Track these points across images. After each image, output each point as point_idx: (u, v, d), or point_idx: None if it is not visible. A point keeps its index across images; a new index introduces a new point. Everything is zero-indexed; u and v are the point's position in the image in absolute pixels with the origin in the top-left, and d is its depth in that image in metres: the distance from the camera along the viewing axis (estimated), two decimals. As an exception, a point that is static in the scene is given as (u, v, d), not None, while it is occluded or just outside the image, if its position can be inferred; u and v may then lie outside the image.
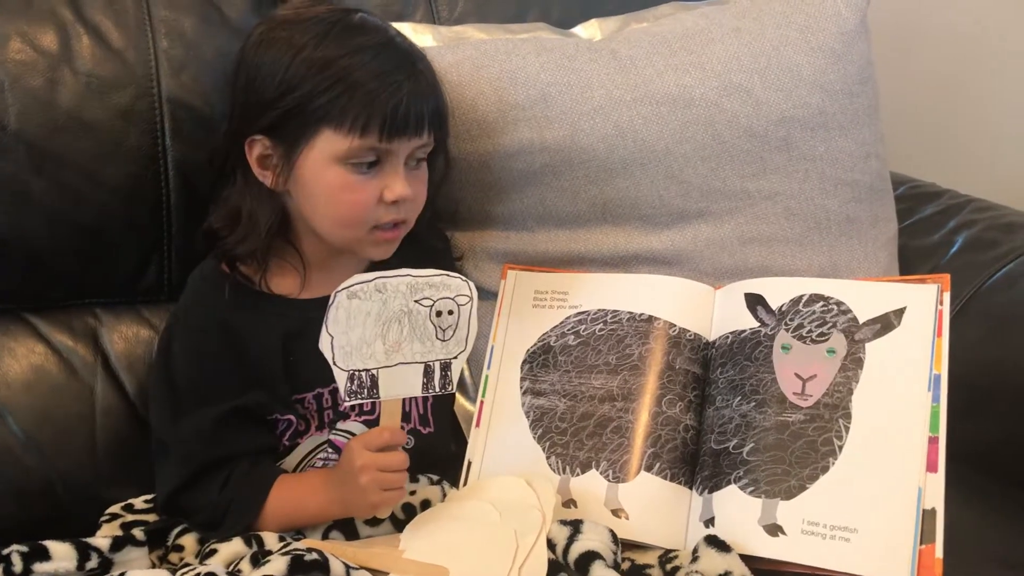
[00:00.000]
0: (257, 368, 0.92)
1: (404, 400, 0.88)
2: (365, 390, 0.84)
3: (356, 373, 0.83)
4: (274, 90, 0.88)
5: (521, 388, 0.98)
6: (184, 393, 0.92)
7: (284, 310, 0.94)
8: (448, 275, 0.86)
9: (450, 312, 0.85)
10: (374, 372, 0.84)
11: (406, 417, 0.92)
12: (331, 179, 0.89)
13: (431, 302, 0.85)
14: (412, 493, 0.90)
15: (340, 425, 0.94)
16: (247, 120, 0.91)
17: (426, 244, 1.01)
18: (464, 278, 0.87)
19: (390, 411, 0.86)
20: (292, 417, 0.92)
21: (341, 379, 0.83)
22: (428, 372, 0.86)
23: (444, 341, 0.85)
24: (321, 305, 0.87)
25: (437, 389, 0.86)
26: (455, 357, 0.86)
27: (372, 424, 0.93)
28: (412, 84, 0.89)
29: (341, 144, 0.87)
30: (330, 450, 0.94)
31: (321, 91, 0.87)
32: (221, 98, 1.01)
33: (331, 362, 0.83)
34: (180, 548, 0.88)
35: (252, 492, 0.88)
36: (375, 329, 0.83)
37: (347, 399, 0.84)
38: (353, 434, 0.93)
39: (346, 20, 0.90)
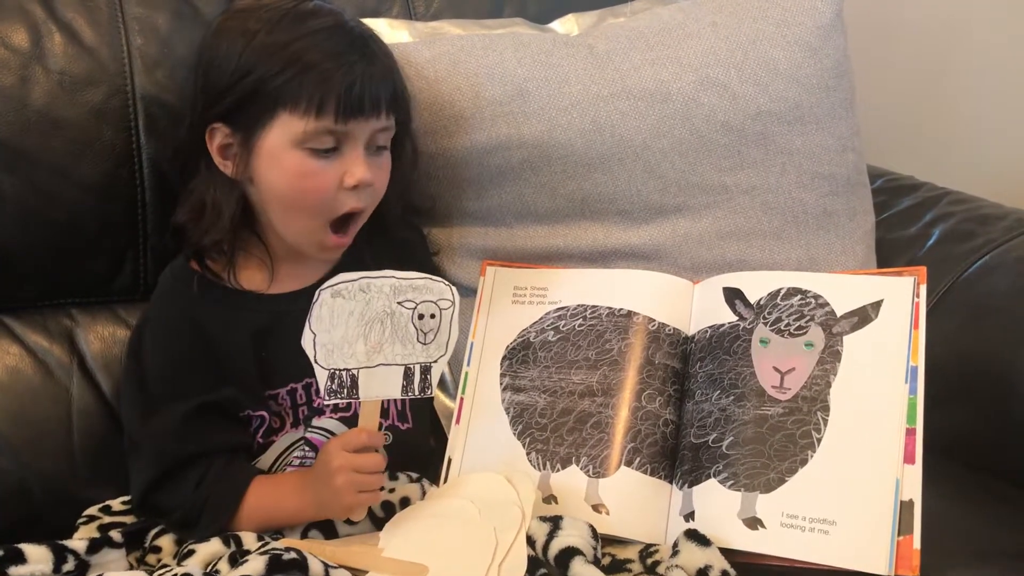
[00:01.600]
0: (228, 364, 0.91)
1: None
2: (345, 390, 0.84)
3: (337, 372, 0.83)
4: (229, 76, 0.88)
5: (501, 384, 0.97)
6: (154, 390, 0.91)
7: (254, 306, 0.93)
8: (431, 279, 0.86)
9: (432, 316, 0.85)
10: (355, 372, 0.84)
11: (384, 413, 0.92)
12: (290, 164, 0.88)
13: (413, 305, 0.85)
14: (391, 491, 0.89)
15: (316, 422, 0.94)
16: (206, 108, 0.90)
17: (399, 237, 1.01)
18: (447, 283, 0.87)
19: (369, 412, 0.85)
20: (265, 414, 0.92)
21: (322, 377, 0.83)
22: (408, 375, 0.86)
23: (425, 344, 0.86)
24: (290, 300, 0.86)
25: (416, 392, 0.86)
26: (435, 361, 0.86)
27: (348, 421, 0.93)
28: (366, 64, 0.88)
29: (298, 126, 0.87)
30: (306, 448, 0.93)
31: (274, 73, 0.86)
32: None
33: (312, 360, 0.83)
34: (157, 549, 0.88)
35: (228, 491, 0.88)
36: (358, 329, 0.83)
37: (327, 398, 0.83)
38: (329, 431, 0.93)
39: (299, 7, 0.90)
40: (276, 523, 0.88)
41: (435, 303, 0.86)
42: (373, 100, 0.88)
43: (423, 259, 1.03)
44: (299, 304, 0.85)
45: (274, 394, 0.92)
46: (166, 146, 1.03)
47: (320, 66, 0.86)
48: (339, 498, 0.84)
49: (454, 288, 0.87)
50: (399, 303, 0.84)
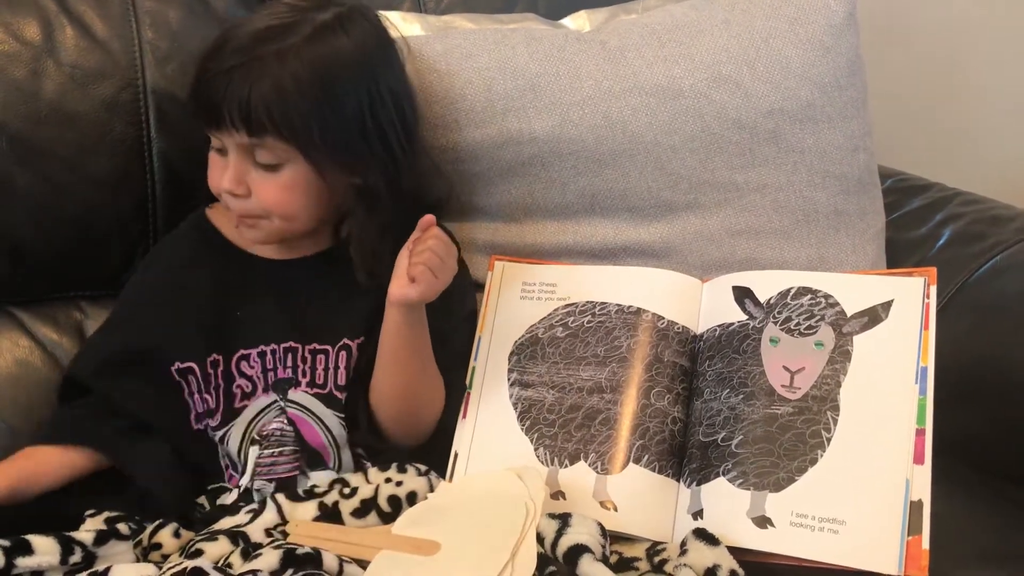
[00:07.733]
0: (189, 309, 0.94)
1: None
2: None
3: None
4: None
5: (509, 380, 0.97)
6: (117, 308, 0.99)
7: (245, 264, 0.97)
8: None
9: None
10: None
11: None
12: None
13: None
14: (399, 484, 0.89)
15: (291, 395, 0.93)
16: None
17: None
18: None
19: None
20: (194, 364, 0.93)
21: None
22: None
23: None
24: (283, 268, 0.94)
25: None
26: None
27: (323, 398, 0.93)
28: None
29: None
30: (283, 420, 0.93)
31: None
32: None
33: None
34: (158, 546, 0.87)
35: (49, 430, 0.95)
36: None
37: None
38: (305, 406, 0.93)
39: None
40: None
41: None
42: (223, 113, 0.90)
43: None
44: (288, 272, 0.94)
45: (247, 354, 0.94)
46: (177, 141, 1.03)
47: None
48: None
49: None
50: None
